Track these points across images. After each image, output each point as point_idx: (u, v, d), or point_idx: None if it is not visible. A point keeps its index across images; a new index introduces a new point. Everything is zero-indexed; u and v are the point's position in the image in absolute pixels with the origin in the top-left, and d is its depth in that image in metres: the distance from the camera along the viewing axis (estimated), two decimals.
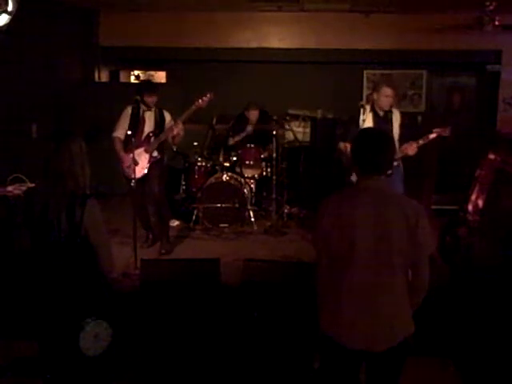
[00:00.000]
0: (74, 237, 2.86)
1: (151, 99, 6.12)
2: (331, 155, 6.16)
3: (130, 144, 5.93)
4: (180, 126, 6.13)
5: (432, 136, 5.67)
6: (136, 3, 8.31)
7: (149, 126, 6.20)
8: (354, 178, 5.77)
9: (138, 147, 6.08)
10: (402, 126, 5.84)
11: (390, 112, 5.85)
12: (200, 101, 6.15)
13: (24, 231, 2.99)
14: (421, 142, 5.64)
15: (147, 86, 6.43)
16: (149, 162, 6.15)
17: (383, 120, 5.80)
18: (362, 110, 5.83)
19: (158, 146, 6.18)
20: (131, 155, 5.90)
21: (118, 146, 6.15)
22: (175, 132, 6.14)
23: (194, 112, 6.21)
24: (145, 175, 6.15)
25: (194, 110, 6.18)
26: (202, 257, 5.60)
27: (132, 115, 6.16)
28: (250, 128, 7.82)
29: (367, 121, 5.83)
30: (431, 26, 8.69)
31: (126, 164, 5.99)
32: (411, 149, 5.58)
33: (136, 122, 6.15)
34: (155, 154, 6.18)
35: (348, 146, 5.83)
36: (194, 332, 4.33)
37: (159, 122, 6.23)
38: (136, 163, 6.00)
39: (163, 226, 6.44)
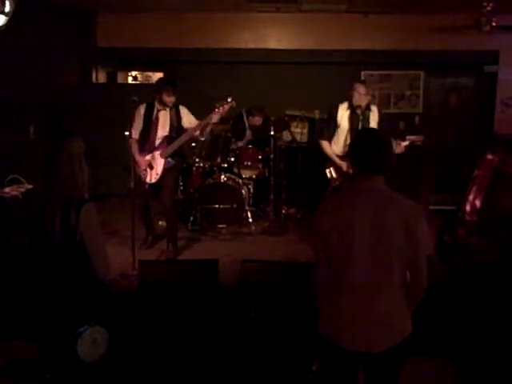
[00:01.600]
0: (69, 241, 2.85)
1: (170, 99, 5.94)
2: (324, 154, 6.17)
3: (142, 146, 5.81)
4: (197, 129, 5.99)
5: (404, 144, 5.75)
6: (133, 4, 8.31)
7: (163, 128, 6.03)
8: (330, 174, 5.94)
9: (152, 150, 6.00)
10: (379, 123, 5.93)
11: (368, 110, 5.97)
12: (221, 108, 5.99)
13: (23, 233, 2.98)
14: (403, 144, 5.73)
15: (167, 84, 6.01)
16: (164, 167, 6.01)
17: (360, 117, 5.93)
18: (339, 107, 5.96)
19: (174, 151, 6.07)
20: (146, 158, 5.86)
21: (134, 148, 5.96)
22: (195, 134, 6.06)
23: (217, 117, 6.06)
24: (158, 181, 6.05)
25: (217, 116, 6.03)
26: (200, 257, 5.60)
27: (145, 115, 6.00)
28: (248, 132, 7.86)
29: (344, 118, 5.94)
30: (429, 26, 8.69)
31: (142, 167, 5.86)
32: (399, 147, 5.65)
33: (149, 123, 5.99)
34: (170, 159, 6.05)
35: (326, 143, 6.06)
36: (193, 333, 4.33)
37: (175, 122, 6.05)
38: (151, 167, 5.97)
39: (171, 231, 6.35)
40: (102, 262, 2.98)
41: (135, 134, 5.99)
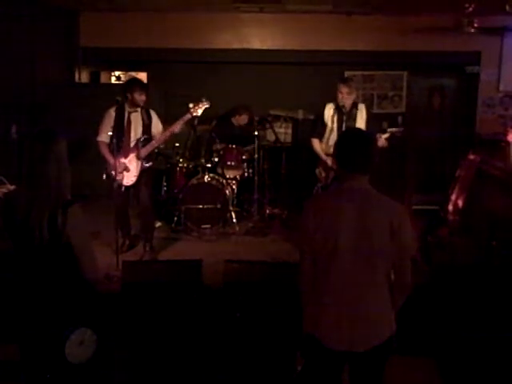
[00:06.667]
0: (56, 243, 2.82)
1: (141, 98, 5.89)
2: (313, 156, 6.23)
3: (116, 148, 5.75)
4: (176, 129, 6.00)
5: (385, 136, 5.82)
6: (117, 4, 8.27)
7: (136, 130, 5.98)
8: (319, 174, 6.15)
9: (127, 153, 5.93)
10: (367, 121, 6.03)
11: (355, 108, 6.06)
12: (196, 108, 6.05)
13: (4, 234, 2.94)
14: (384, 136, 5.80)
15: (138, 83, 6.05)
16: (140, 169, 5.96)
17: (347, 116, 6.02)
18: (326, 106, 6.03)
19: (149, 152, 6.03)
20: (121, 161, 5.82)
21: (105, 151, 5.93)
22: (167, 137, 6.06)
23: (189, 120, 6.14)
24: (134, 183, 6.00)
25: (190, 118, 6.10)
26: (184, 258, 5.58)
27: (116, 118, 5.92)
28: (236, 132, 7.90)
29: (330, 117, 6.06)
30: (412, 27, 8.76)
31: (118, 170, 5.77)
32: (381, 141, 5.72)
33: (121, 125, 5.92)
34: (146, 161, 6.01)
35: (316, 141, 6.17)
36: (177, 334, 4.32)
37: (147, 124, 6.02)
38: (127, 170, 5.91)
39: (147, 233, 6.33)
40: (89, 264, 2.96)
41: (105, 138, 5.93)
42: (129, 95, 5.90)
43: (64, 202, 2.85)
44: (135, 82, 6.12)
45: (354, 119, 5.98)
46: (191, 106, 6.09)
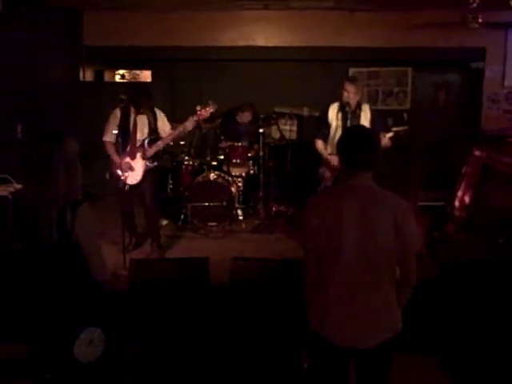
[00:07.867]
0: (65, 243, 2.83)
1: (134, 110, 5.94)
2: (318, 153, 6.21)
3: (122, 148, 5.79)
4: (181, 132, 6.02)
5: (389, 135, 5.84)
6: (120, 2, 8.26)
7: (142, 131, 5.98)
8: (323, 173, 6.10)
9: (133, 152, 5.93)
10: (371, 121, 5.97)
11: (359, 108, 6.02)
12: (203, 111, 6.04)
13: (14, 234, 2.95)
14: (388, 135, 5.79)
15: (134, 96, 5.98)
16: (144, 169, 5.97)
17: (351, 116, 5.99)
18: (330, 107, 6.00)
19: (155, 152, 6.03)
20: (126, 160, 5.85)
21: (111, 150, 5.94)
22: (173, 138, 6.07)
23: (196, 122, 6.13)
24: (138, 182, 6.01)
25: (196, 120, 6.07)
26: (191, 256, 5.60)
27: (121, 118, 5.93)
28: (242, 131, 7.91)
29: (334, 117, 6.02)
30: (416, 23, 8.73)
31: (121, 169, 5.80)
32: (384, 140, 5.70)
33: (127, 126, 5.92)
34: (151, 161, 6.01)
35: (319, 142, 6.12)
36: (184, 331, 4.33)
37: (153, 125, 6.03)
38: (132, 169, 5.93)
39: (154, 231, 6.35)
40: (97, 263, 2.97)
41: (110, 137, 5.95)
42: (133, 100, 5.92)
43: (73, 201, 2.86)
44: (133, 94, 6.03)
45: (358, 117, 5.96)
46: (198, 108, 6.08)
